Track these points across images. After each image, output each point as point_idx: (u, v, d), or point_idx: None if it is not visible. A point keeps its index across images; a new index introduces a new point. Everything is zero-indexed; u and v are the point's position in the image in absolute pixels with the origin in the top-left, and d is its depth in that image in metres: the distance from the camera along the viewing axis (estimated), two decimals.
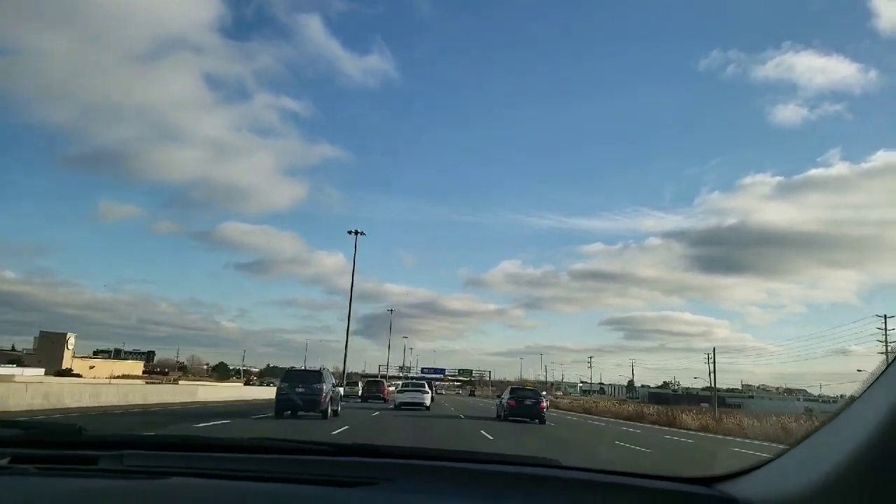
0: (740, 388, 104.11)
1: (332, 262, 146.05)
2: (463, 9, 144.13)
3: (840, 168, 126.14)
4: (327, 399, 19.33)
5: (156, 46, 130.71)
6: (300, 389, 18.92)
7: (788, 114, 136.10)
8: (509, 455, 1.59)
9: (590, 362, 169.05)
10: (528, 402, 24.09)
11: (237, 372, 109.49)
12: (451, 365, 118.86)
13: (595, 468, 1.45)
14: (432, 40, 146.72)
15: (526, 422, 23.20)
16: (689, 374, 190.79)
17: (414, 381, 39.26)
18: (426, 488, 1.31)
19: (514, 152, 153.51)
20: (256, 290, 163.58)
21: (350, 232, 44.55)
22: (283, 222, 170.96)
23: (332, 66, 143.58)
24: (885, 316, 52.53)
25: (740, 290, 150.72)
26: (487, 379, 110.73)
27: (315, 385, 19.11)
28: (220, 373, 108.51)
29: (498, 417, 24.87)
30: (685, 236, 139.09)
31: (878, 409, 0.88)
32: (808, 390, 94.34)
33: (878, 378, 0.94)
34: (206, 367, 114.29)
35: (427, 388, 31.64)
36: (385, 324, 79.66)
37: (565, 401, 65.29)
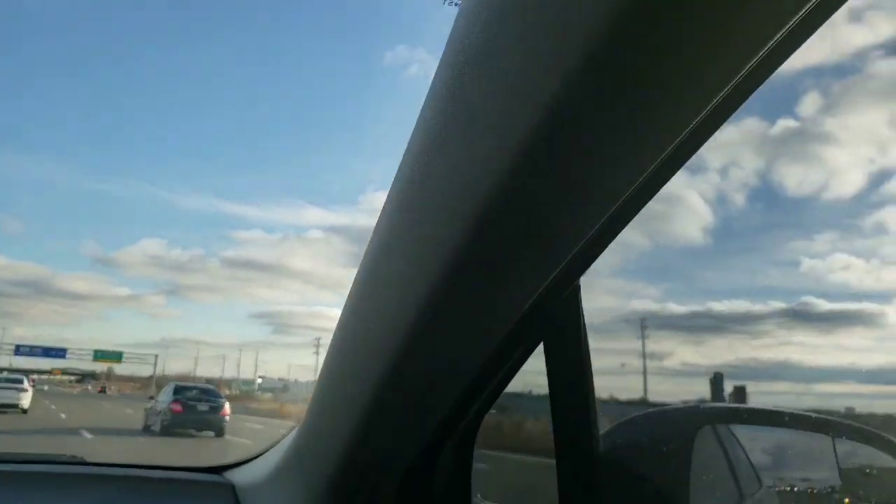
0: None
1: None
2: None
3: None
4: None
5: None
6: None
7: None
8: (33, 454, 1.68)
9: (256, 360, 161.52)
10: (201, 406, 17.06)
11: None
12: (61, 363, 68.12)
13: (119, 463, 1.56)
14: None
15: (196, 436, 16.30)
16: None
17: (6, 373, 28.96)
18: None
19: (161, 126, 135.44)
20: None
21: None
22: None
23: None
24: None
25: None
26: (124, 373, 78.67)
27: None
28: None
29: (147, 430, 16.96)
30: (346, 232, 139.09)
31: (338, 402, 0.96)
32: None
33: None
34: None
35: (25, 384, 22.37)
36: None
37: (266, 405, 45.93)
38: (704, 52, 0.49)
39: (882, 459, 1.12)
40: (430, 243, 0.70)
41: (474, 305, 0.76)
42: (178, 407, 16.62)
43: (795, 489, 1.28)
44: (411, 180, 0.72)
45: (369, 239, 0.82)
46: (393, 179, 0.75)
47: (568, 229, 0.67)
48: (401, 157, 0.73)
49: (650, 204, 0.67)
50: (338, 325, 0.92)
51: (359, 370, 0.89)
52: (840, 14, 0.53)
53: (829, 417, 1.31)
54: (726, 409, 1.35)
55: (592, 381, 0.84)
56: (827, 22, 0.52)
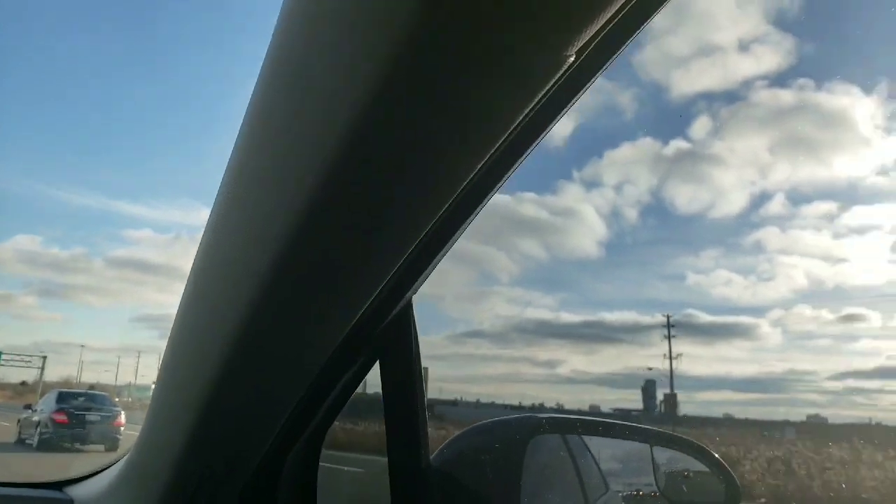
0: None
1: None
2: None
3: None
4: None
5: None
6: None
7: None
8: None
9: (137, 364, 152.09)
10: (91, 416, 14.82)
11: None
12: None
13: None
14: None
15: (83, 451, 14.23)
16: None
17: None
18: None
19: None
20: None
21: None
22: None
23: None
24: None
25: None
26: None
27: None
28: None
29: (23, 443, 14.81)
30: None
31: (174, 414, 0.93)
32: None
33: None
34: None
35: None
36: None
37: None
38: (515, 63, 0.50)
39: (697, 465, 1.23)
40: (253, 251, 0.70)
41: (300, 318, 0.77)
42: (61, 417, 14.62)
43: (640, 493, 1.38)
44: (231, 190, 0.72)
45: (199, 243, 0.81)
46: (218, 187, 0.75)
47: (390, 242, 0.68)
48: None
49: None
50: (170, 334, 0.91)
51: (190, 380, 0.88)
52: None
53: (652, 428, 1.43)
54: (554, 420, 1.42)
55: (424, 396, 0.88)
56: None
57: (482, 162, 0.59)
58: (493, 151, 0.58)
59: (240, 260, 0.74)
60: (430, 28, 0.46)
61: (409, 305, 0.84)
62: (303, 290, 0.73)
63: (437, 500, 0.89)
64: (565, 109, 0.59)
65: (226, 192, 0.73)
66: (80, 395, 17.12)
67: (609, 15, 0.48)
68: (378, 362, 0.88)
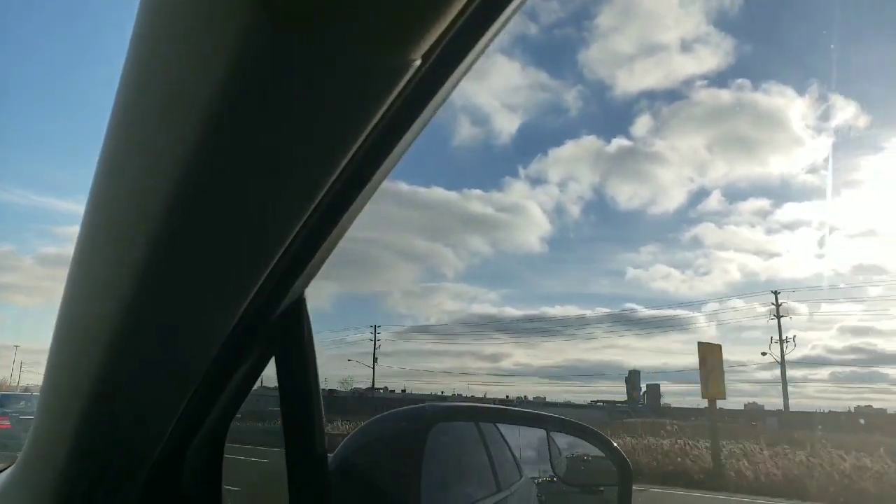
0: None
1: None
2: None
3: None
4: None
5: None
6: None
7: None
8: None
9: None
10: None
11: None
12: None
13: None
14: None
15: None
16: None
17: None
18: None
19: None
20: None
21: None
22: None
23: None
24: None
25: None
26: None
27: None
28: None
29: None
30: None
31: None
32: None
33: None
34: None
35: None
36: None
37: None
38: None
39: (593, 449, 1.30)
40: (127, 245, 0.70)
41: (180, 313, 0.77)
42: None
43: (541, 479, 1.44)
44: (102, 181, 0.71)
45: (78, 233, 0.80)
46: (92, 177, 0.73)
47: (266, 234, 0.68)
48: None
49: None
50: (53, 332, 0.89)
51: (74, 380, 0.87)
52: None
53: (547, 414, 1.49)
54: (456, 408, 1.46)
55: (319, 391, 0.90)
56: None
57: (343, 163, 0.61)
58: (351, 155, 0.60)
59: (113, 255, 0.73)
60: (268, 31, 0.48)
61: (302, 299, 0.86)
62: (180, 285, 0.73)
63: (337, 493, 0.90)
64: (423, 111, 0.61)
65: (97, 184, 0.72)
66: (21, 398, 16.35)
67: (451, 18, 0.50)
68: (273, 358, 0.89)
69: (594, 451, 1.28)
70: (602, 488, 1.35)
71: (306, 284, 0.83)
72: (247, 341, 0.84)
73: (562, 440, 1.37)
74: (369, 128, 0.58)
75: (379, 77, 0.53)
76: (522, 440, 1.44)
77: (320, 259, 0.79)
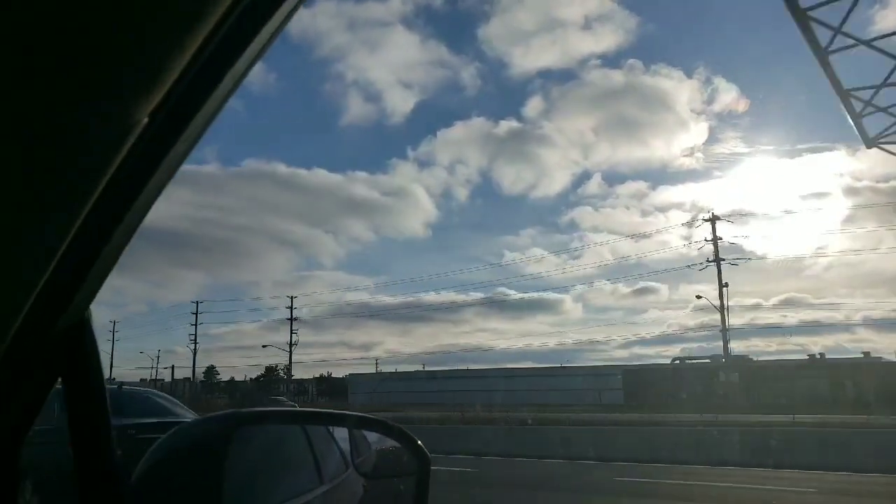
0: None
1: None
2: None
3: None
4: None
5: None
6: None
7: None
8: None
9: None
10: None
11: None
12: None
13: None
14: None
15: None
16: None
17: None
18: None
19: None
20: None
21: None
22: None
23: None
24: None
25: None
26: None
27: None
28: None
29: None
30: None
31: None
32: None
33: None
34: None
35: None
36: None
37: None
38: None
39: (390, 441, 1.41)
40: None
41: None
42: None
43: (340, 476, 1.49)
44: None
45: None
46: None
47: (28, 252, 0.67)
48: None
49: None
50: None
51: None
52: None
53: (350, 413, 1.57)
54: (258, 413, 1.50)
55: (108, 412, 0.87)
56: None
57: (84, 211, 0.63)
58: (91, 206, 0.63)
59: None
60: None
61: (85, 319, 0.84)
62: None
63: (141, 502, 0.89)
64: (158, 167, 0.65)
65: None
66: None
67: (175, 77, 0.54)
68: (60, 380, 0.87)
69: (389, 443, 1.38)
70: (402, 477, 1.45)
71: (89, 301, 0.82)
72: (22, 364, 0.79)
73: (370, 436, 1.46)
74: (102, 183, 0.61)
75: (110, 137, 0.57)
76: (319, 441, 1.47)
77: (100, 276, 0.77)
